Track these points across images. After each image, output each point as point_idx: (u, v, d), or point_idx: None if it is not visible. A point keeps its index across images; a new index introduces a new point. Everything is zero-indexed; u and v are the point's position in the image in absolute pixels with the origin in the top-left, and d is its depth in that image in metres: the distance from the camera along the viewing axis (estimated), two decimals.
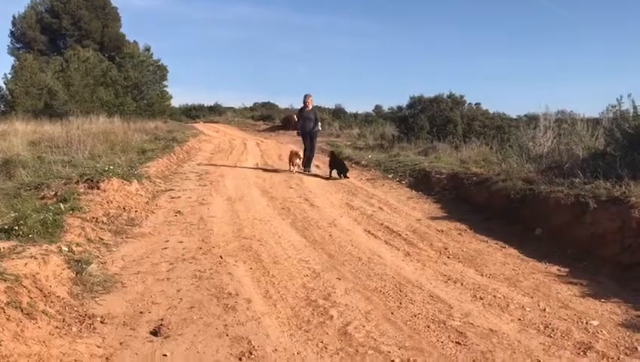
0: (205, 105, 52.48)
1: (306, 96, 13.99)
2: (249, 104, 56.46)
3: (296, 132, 14.98)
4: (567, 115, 13.58)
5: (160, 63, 34.15)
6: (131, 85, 31.20)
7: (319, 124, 14.26)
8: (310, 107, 13.97)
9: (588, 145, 9.34)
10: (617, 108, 8.85)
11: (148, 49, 34.13)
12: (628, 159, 7.52)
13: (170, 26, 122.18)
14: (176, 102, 48.05)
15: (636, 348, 3.92)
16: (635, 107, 8.59)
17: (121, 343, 3.88)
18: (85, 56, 29.19)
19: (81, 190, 7.91)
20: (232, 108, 53.70)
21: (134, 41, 38.74)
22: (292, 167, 13.59)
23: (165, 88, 35.80)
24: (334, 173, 13.16)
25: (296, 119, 14.15)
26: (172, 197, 9.52)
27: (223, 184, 11.37)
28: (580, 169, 7.77)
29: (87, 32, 38.21)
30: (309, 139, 13.94)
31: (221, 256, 6.04)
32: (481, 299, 4.97)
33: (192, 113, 48.21)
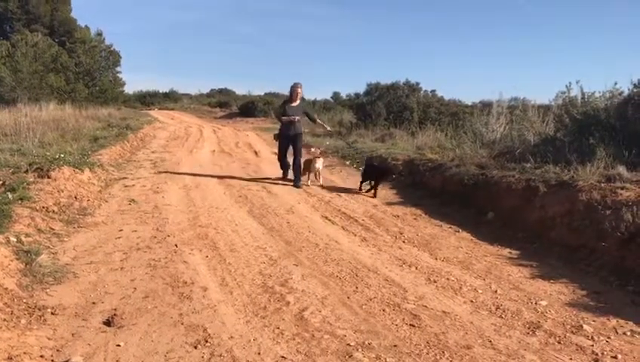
0: (160, 91, 51.43)
1: (294, 86, 10.33)
2: (206, 90, 55.72)
3: (274, 135, 11.06)
4: (520, 102, 13.89)
5: (113, 49, 33.24)
6: (83, 71, 30.24)
7: (325, 125, 11.67)
8: (298, 101, 10.37)
9: (539, 130, 9.59)
10: (566, 94, 9.12)
11: (100, 34, 33.12)
12: (576, 144, 7.76)
13: (123, 10, 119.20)
14: (130, 89, 47.09)
15: (581, 326, 4.07)
16: (583, 93, 8.89)
17: (72, 334, 3.79)
18: (34, 41, 28.10)
19: (31, 179, 7.65)
20: (188, 94, 52.86)
21: (86, 26, 37.44)
22: (307, 179, 10.32)
23: (118, 74, 34.89)
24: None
25: (284, 118, 10.31)
26: (126, 186, 9.33)
27: (178, 172, 11.21)
28: (530, 154, 7.97)
29: (36, 15, 36.81)
30: (293, 145, 10.42)
31: (176, 245, 5.97)
32: (435, 282, 5.06)
33: (147, 100, 47.20)
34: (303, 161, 10.37)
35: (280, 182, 10.53)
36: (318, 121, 11.16)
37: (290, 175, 10.52)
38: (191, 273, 5.12)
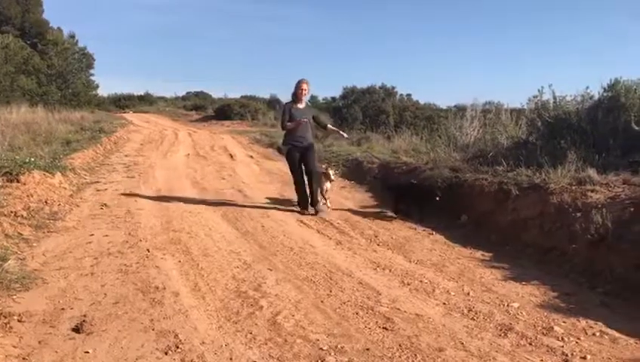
0: (135, 94, 50.90)
1: (300, 83, 8.12)
2: (181, 93, 55.29)
3: (277, 147, 9.21)
4: (494, 106, 14.04)
5: (86, 51, 32.87)
6: (55, 74, 29.79)
7: (344, 134, 9.19)
8: (304, 103, 8.32)
9: (511, 134, 9.69)
10: (539, 98, 9.22)
11: (73, 36, 32.73)
12: (548, 147, 7.86)
13: (97, 12, 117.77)
14: (104, 92, 46.40)
15: (552, 328, 4.11)
16: (555, 97, 8.98)
17: (39, 342, 3.71)
18: (4, 43, 27.64)
19: None
20: (163, 97, 52.36)
21: (58, 28, 37.00)
22: (324, 196, 8.52)
23: (92, 77, 34.52)
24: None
25: (288, 124, 8.08)
26: (98, 190, 9.21)
27: (152, 175, 11.11)
28: (503, 157, 8.04)
29: (6, 17, 36.17)
30: (305, 161, 8.15)
31: (148, 250, 5.89)
32: (408, 284, 5.07)
33: (122, 103, 46.65)
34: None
35: (256, 186, 10.46)
36: (330, 127, 9.14)
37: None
38: (163, 278, 5.05)
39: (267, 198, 9.26)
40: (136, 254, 5.75)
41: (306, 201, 8.16)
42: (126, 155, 14.50)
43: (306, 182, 8.25)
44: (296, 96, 8.14)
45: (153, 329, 3.96)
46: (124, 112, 38.62)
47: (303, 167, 8.15)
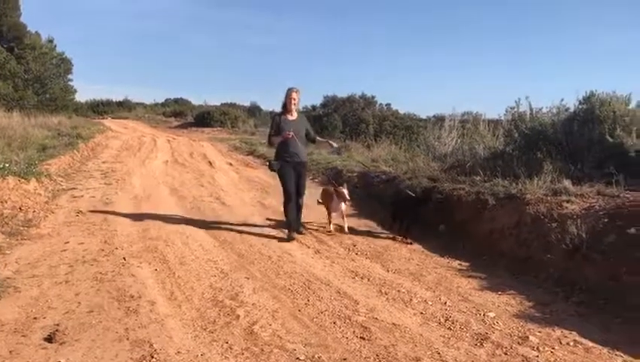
0: (114, 100, 50.45)
1: (290, 92, 7.17)
2: (161, 100, 54.90)
3: (268, 164, 7.58)
4: (473, 116, 14.21)
5: (64, 56, 32.45)
6: (32, 78, 29.34)
7: (333, 144, 8.35)
8: (295, 113, 7.31)
9: (489, 145, 9.80)
10: (515, 109, 9.35)
11: (51, 40, 32.25)
12: (524, 158, 7.96)
13: (76, 18, 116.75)
14: (82, 97, 45.97)
15: (527, 337, 4.14)
16: (531, 109, 9.13)
17: (10, 351, 3.63)
18: None
19: None
20: (142, 103, 51.92)
21: (36, 32, 36.48)
22: (330, 221, 7.60)
23: (70, 82, 34.04)
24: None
25: (275, 136, 7.12)
26: (74, 197, 9.09)
27: (129, 182, 11.00)
28: (480, 167, 8.12)
29: None
30: (296, 177, 7.23)
31: (124, 258, 5.83)
32: (386, 294, 5.08)
33: (100, 108, 46.19)
34: (320, 192, 8.11)
35: (235, 193, 10.42)
36: (319, 139, 8.08)
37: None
38: (139, 286, 5.00)
39: (246, 206, 9.21)
40: (111, 262, 5.68)
41: (297, 224, 7.35)
42: (103, 162, 14.34)
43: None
44: (286, 106, 7.16)
45: (128, 339, 3.90)
46: (103, 118, 38.22)
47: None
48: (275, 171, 7.27)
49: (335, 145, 8.33)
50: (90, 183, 10.58)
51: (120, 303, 4.58)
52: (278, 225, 7.81)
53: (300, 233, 7.31)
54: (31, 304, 4.47)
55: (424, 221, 7.49)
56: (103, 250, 6.09)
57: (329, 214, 7.59)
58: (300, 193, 7.31)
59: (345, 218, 7.59)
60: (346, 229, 7.50)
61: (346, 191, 7.38)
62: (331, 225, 7.57)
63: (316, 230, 7.66)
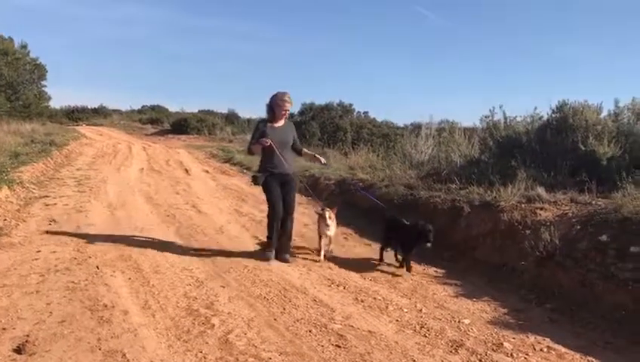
0: (89, 107, 49.90)
1: (279, 97, 6.34)
2: (137, 107, 54.48)
3: (252, 177, 6.72)
4: (449, 125, 14.34)
5: (38, 62, 32.06)
6: (5, 84, 28.90)
7: (322, 159, 6.89)
8: (283, 120, 6.51)
9: (464, 153, 9.90)
10: (490, 118, 9.47)
11: (24, 46, 31.86)
12: (499, 166, 8.06)
13: (51, 24, 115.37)
14: (56, 104, 45.45)
15: (502, 344, 4.17)
16: (505, 117, 9.28)
17: None
18: None
19: None
20: (118, 110, 51.57)
21: (9, 38, 36.02)
22: (322, 247, 6.58)
23: (44, 88, 33.64)
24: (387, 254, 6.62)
25: (263, 145, 6.19)
26: (47, 205, 8.94)
27: (104, 190, 10.86)
28: (456, 175, 8.20)
29: None
30: (283, 192, 6.42)
31: (97, 267, 5.73)
32: (362, 301, 5.07)
33: (75, 115, 45.65)
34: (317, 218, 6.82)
35: (210, 201, 10.35)
36: (305, 151, 6.88)
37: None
38: (112, 296, 4.92)
39: (222, 214, 9.15)
40: (84, 271, 5.59)
41: (283, 249, 6.46)
42: (77, 169, 14.15)
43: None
44: (274, 113, 6.34)
45: (100, 349, 3.83)
46: (77, 125, 37.77)
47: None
48: (258, 185, 6.46)
49: (323, 160, 6.91)
50: (63, 191, 10.42)
51: (93, 313, 4.50)
52: (256, 233, 7.76)
53: (285, 261, 6.32)
54: (0, 314, 4.37)
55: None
56: (75, 259, 5.98)
57: (319, 239, 6.61)
58: (288, 210, 6.43)
59: (331, 246, 6.73)
60: (322, 257, 6.47)
61: (327, 214, 6.41)
62: (321, 252, 6.53)
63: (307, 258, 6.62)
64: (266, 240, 6.61)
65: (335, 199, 10.29)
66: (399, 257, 6.43)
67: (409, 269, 6.10)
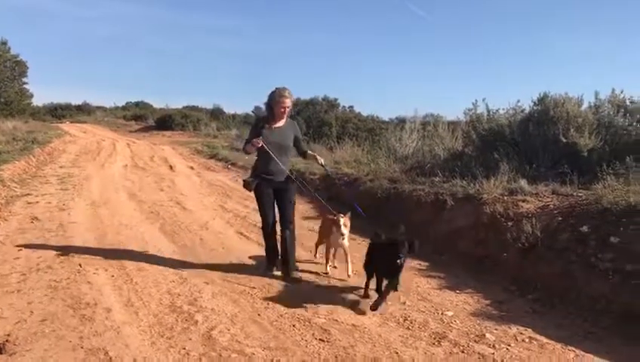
0: (73, 104, 49.42)
1: (279, 94, 5.54)
2: (121, 103, 54.02)
3: (244, 181, 5.86)
4: (434, 118, 14.38)
5: (19, 59, 31.61)
6: None
7: (320, 160, 5.88)
8: (284, 120, 5.73)
9: (448, 146, 9.93)
10: (473, 111, 9.50)
11: (5, 43, 31.37)
12: (482, 159, 8.10)
13: (32, 21, 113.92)
14: (39, 101, 44.91)
15: (484, 335, 4.21)
16: (488, 110, 9.29)
17: None
18: None
19: None
20: (102, 107, 51.07)
21: None
22: (327, 259, 5.93)
23: (25, 85, 33.21)
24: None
25: (254, 146, 5.51)
26: (29, 203, 8.85)
27: (87, 188, 10.78)
28: (440, 168, 8.24)
29: None
30: (279, 203, 5.75)
31: (80, 265, 5.69)
32: (318, 274, 5.13)
33: (58, 113, 45.25)
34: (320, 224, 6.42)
35: (195, 198, 10.31)
36: (310, 153, 6.03)
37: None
38: (95, 294, 4.89)
39: (207, 210, 9.12)
40: (67, 269, 5.54)
41: (275, 257, 5.85)
42: (61, 167, 14.02)
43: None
44: (273, 111, 5.60)
45: (82, 347, 3.81)
46: (61, 122, 37.42)
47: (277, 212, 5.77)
48: (250, 191, 5.74)
49: (321, 161, 5.95)
50: (46, 189, 10.32)
51: (75, 311, 4.47)
52: (240, 228, 7.75)
53: (297, 281, 5.53)
54: None
55: (385, 220, 7.53)
56: (57, 257, 5.93)
57: (327, 250, 5.92)
58: (286, 220, 5.70)
59: (349, 257, 5.76)
60: (350, 273, 5.67)
61: (342, 221, 5.56)
62: (327, 266, 5.88)
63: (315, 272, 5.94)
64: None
65: (320, 194, 10.27)
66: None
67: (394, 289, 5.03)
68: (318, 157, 5.93)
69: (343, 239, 5.58)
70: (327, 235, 5.82)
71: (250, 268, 5.89)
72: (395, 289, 5.08)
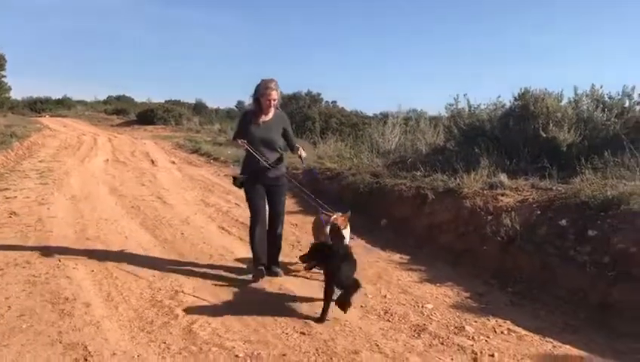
0: (53, 97, 48.70)
1: (265, 86, 5.26)
2: (102, 97, 53.39)
3: (233, 178, 5.63)
4: (417, 114, 14.42)
5: None
6: None
7: (301, 153, 5.65)
8: (271, 113, 5.43)
9: (430, 141, 9.98)
10: (454, 106, 9.55)
11: None
12: (463, 153, 8.15)
13: (12, 13, 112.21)
14: (18, 95, 44.19)
15: (464, 327, 4.25)
16: (469, 105, 9.35)
17: None
18: None
19: None
20: (83, 101, 50.41)
21: None
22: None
23: (3, 79, 32.70)
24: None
25: (242, 147, 5.31)
26: (7, 198, 8.73)
27: (67, 182, 10.66)
28: (421, 163, 8.27)
29: None
30: (270, 199, 5.53)
31: (60, 260, 5.64)
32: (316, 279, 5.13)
33: (38, 106, 44.51)
34: (312, 223, 6.06)
35: (177, 192, 10.26)
36: (297, 146, 5.72)
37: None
38: (74, 288, 4.85)
39: (188, 205, 9.08)
40: (46, 264, 5.49)
41: (263, 258, 5.36)
42: (40, 161, 13.84)
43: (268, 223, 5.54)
44: (260, 105, 5.30)
45: (61, 342, 3.78)
46: (40, 116, 36.86)
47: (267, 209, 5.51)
48: (239, 188, 5.53)
49: (303, 153, 5.69)
50: (24, 183, 10.19)
51: (54, 306, 4.44)
52: (222, 223, 7.73)
53: (276, 274, 5.43)
54: None
55: (367, 214, 7.55)
56: (36, 252, 5.87)
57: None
58: (275, 220, 5.53)
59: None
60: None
61: (341, 223, 5.11)
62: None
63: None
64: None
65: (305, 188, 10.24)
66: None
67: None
68: (301, 150, 5.67)
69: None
70: (321, 236, 5.39)
71: (232, 263, 5.87)
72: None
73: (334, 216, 5.09)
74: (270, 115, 5.42)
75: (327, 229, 4.98)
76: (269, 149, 5.37)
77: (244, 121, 5.45)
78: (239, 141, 5.27)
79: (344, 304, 4.30)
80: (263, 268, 5.30)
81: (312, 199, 6.23)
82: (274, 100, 5.30)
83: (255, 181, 5.36)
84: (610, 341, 4.04)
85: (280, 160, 5.49)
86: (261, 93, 5.26)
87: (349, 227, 5.20)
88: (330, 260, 4.39)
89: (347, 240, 5.08)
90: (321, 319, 4.30)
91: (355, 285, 4.36)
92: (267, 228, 5.48)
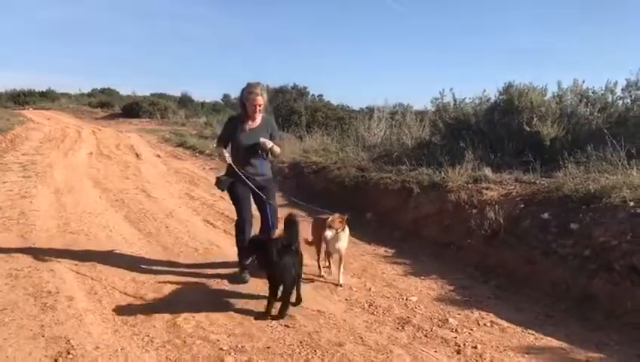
0: (37, 90, 48.12)
1: (250, 91, 5.06)
2: (87, 90, 52.84)
3: (217, 179, 5.27)
4: (403, 108, 14.42)
5: None
6: None
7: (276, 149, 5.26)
8: (259, 119, 5.23)
9: (415, 135, 10.00)
10: (440, 100, 9.58)
11: None
12: (448, 147, 8.18)
13: None
14: (1, 87, 43.72)
15: (447, 320, 4.28)
16: (455, 100, 9.38)
17: None
18: None
19: None
20: (67, 94, 49.87)
21: None
22: (323, 267, 5.44)
23: None
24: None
25: (221, 148, 5.23)
26: None
27: (50, 175, 10.56)
28: (407, 157, 8.28)
29: None
30: (258, 200, 5.32)
31: (42, 253, 5.59)
32: (312, 281, 5.11)
33: (21, 99, 43.99)
34: (311, 224, 5.65)
35: (162, 186, 10.21)
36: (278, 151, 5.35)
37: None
38: (57, 282, 4.82)
39: (173, 198, 9.03)
40: (28, 258, 5.45)
41: (247, 253, 5.06)
42: (23, 154, 13.69)
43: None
44: (246, 110, 5.14)
45: (43, 336, 3.76)
46: (24, 109, 36.42)
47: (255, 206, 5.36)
48: (223, 190, 5.28)
49: (276, 149, 5.24)
50: (7, 176, 10.08)
51: (36, 299, 4.41)
52: (207, 216, 7.71)
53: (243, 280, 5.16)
54: None
55: (353, 208, 7.55)
56: (19, 246, 5.82)
57: (317, 254, 5.44)
58: (266, 221, 5.32)
59: (341, 264, 5.16)
60: (340, 281, 5.08)
61: (337, 223, 4.94)
62: (322, 269, 5.39)
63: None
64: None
65: (289, 183, 10.27)
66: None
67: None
68: (275, 147, 5.23)
69: (339, 242, 5.00)
70: (318, 240, 5.25)
71: (216, 256, 5.86)
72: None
73: (331, 218, 4.93)
74: (258, 120, 5.22)
75: (326, 231, 4.82)
76: (255, 157, 5.19)
77: (230, 126, 5.26)
78: (225, 156, 5.10)
79: (284, 302, 4.24)
80: (247, 275, 5.15)
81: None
82: (259, 106, 5.09)
83: (240, 185, 5.15)
84: (591, 332, 4.09)
85: (267, 165, 5.34)
86: (246, 97, 5.10)
87: (347, 229, 5.10)
88: (266, 255, 4.22)
89: (344, 243, 5.04)
90: (262, 315, 4.21)
91: (293, 284, 4.29)
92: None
